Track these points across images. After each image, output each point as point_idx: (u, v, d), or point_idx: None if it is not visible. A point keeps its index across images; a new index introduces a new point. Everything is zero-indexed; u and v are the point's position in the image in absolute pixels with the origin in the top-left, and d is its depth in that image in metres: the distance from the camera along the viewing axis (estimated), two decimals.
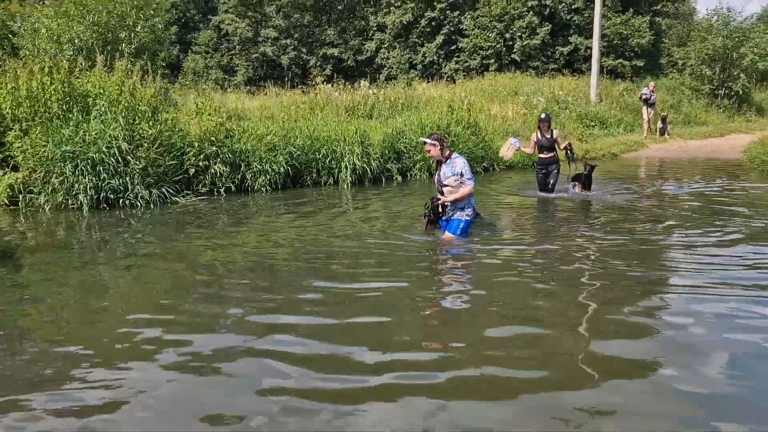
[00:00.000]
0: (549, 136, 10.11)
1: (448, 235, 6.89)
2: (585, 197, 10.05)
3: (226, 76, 38.62)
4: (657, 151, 17.78)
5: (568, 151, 10.29)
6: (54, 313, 4.79)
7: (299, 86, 22.37)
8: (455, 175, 6.74)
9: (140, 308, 4.82)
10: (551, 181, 10.21)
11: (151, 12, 14.26)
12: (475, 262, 6.18)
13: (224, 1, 38.73)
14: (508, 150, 10.16)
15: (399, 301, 4.88)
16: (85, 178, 8.99)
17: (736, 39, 26.05)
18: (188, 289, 5.37)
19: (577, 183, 10.38)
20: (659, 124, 20.80)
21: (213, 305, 4.83)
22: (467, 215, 6.87)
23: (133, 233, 7.68)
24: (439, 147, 6.81)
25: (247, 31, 38.33)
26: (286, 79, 31.97)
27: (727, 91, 26.55)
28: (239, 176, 10.64)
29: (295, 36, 39.75)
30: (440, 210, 6.91)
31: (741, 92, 26.69)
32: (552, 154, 10.21)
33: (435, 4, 33.75)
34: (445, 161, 6.84)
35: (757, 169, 12.95)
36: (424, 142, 6.94)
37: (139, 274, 5.90)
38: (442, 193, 6.92)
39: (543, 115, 10.32)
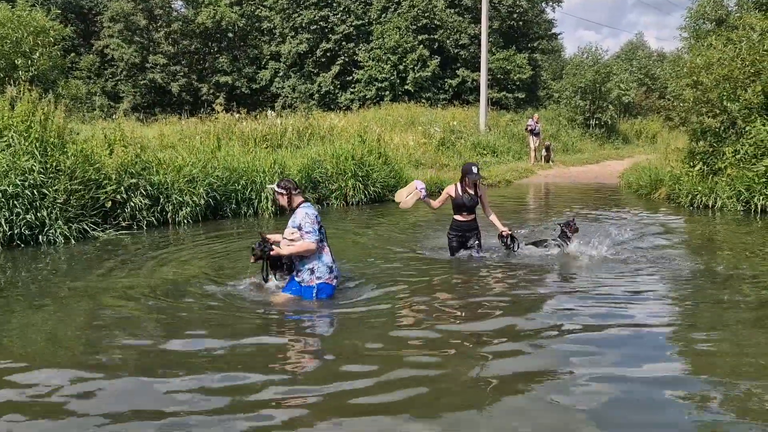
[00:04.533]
0: (473, 193, 7.38)
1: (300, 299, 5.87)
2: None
3: (111, 103, 36.99)
4: (545, 177, 19.35)
5: (507, 241, 7.51)
6: None
7: (193, 113, 21.94)
8: (294, 227, 5.75)
9: (48, 357, 4.66)
10: (471, 250, 7.53)
11: (50, 39, 13.62)
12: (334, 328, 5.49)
13: (108, 26, 37.25)
14: (409, 197, 7.47)
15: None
16: None
17: (603, 74, 29.03)
18: (100, 331, 5.25)
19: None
20: (544, 152, 22.66)
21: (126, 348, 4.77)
22: (318, 278, 5.76)
23: (53, 272, 7.46)
24: (286, 196, 5.86)
25: (134, 56, 37.08)
26: (177, 107, 31.26)
27: (597, 122, 29.38)
28: (159, 209, 10.46)
29: (184, 63, 39.01)
30: (267, 251, 5.91)
31: (609, 122, 29.68)
32: (473, 217, 7.48)
33: (330, 35, 34.57)
34: (292, 211, 5.90)
35: (635, 193, 14.54)
36: (273, 190, 6.01)
37: (51, 315, 5.71)
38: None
39: (473, 168, 7.34)
